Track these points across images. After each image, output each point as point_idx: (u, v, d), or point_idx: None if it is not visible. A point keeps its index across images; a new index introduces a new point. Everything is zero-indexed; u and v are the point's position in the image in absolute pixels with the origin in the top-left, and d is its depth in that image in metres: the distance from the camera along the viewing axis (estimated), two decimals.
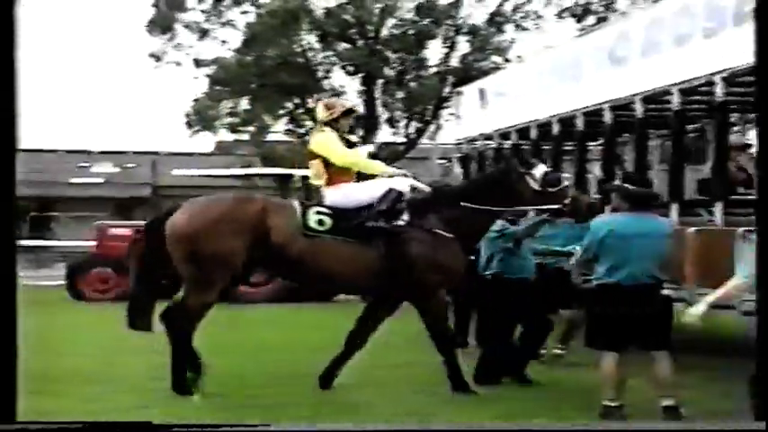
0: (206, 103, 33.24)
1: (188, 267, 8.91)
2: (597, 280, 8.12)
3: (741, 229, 9.02)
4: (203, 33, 33.17)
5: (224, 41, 33.32)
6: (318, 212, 9.10)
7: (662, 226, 8.36)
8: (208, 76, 33.07)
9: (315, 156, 9.47)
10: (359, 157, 9.51)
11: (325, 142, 9.41)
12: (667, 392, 8.00)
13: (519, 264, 9.93)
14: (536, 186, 9.29)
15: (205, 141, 36.86)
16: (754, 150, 13.24)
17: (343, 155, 9.31)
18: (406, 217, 9.23)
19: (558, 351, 11.19)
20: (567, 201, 9.31)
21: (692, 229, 10.18)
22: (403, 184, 9.43)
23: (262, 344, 12.52)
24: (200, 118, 33.06)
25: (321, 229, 9.02)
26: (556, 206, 9.29)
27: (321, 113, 9.70)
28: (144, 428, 4.67)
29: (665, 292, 8.36)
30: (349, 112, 9.73)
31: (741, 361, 10.78)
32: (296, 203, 9.29)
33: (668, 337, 8.14)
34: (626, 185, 8.39)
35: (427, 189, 9.67)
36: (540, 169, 9.37)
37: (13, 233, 4.17)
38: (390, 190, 9.26)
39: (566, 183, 9.63)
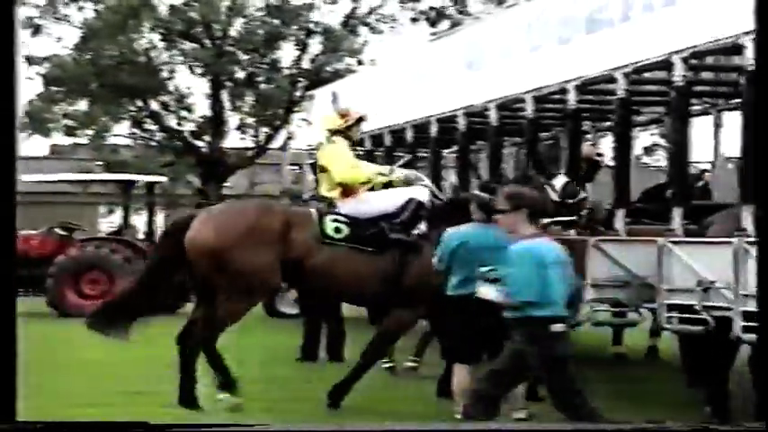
0: (39, 104, 32.51)
1: (220, 279, 8.91)
2: (451, 292, 8.30)
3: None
4: (36, 29, 32.46)
5: (59, 38, 32.67)
6: (335, 220, 9.06)
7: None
8: (41, 75, 32.36)
9: (325, 168, 9.42)
10: (362, 173, 9.41)
11: (333, 155, 9.34)
12: (519, 405, 8.26)
13: None
14: (556, 197, 9.36)
15: (39, 144, 36.03)
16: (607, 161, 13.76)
17: (343, 172, 9.20)
18: (423, 227, 9.27)
19: (411, 364, 11.39)
20: (584, 212, 9.50)
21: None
22: (422, 193, 9.46)
23: (91, 360, 12.31)
24: (33, 120, 32.31)
25: (338, 237, 8.99)
26: (573, 218, 9.45)
27: (333, 122, 9.65)
28: (144, 428, 4.59)
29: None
30: (361, 119, 9.68)
31: (599, 371, 11.29)
32: (313, 211, 9.22)
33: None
34: (482, 194, 8.63)
35: (442, 197, 9.76)
36: (560, 180, 9.53)
37: (12, 234, 4.20)
38: (410, 200, 9.29)
39: (583, 194, 9.83)
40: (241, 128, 33.80)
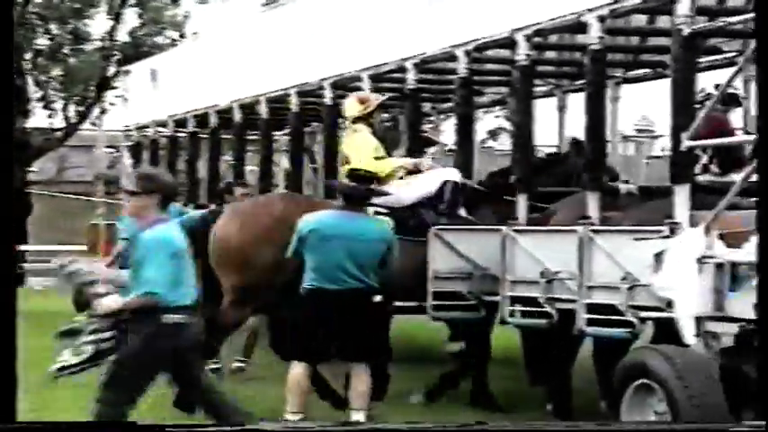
0: None
1: (233, 278, 9.09)
2: (305, 284, 8.29)
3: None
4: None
5: None
6: (376, 213, 8.95)
7: (376, 227, 8.51)
8: None
9: (348, 159, 9.30)
10: (387, 164, 9.29)
11: (356, 145, 9.23)
12: (360, 406, 8.33)
13: None
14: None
15: None
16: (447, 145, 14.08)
17: (366, 164, 8.93)
18: (463, 212, 9.42)
19: (239, 364, 11.47)
20: None
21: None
22: (453, 173, 9.56)
23: None
24: None
25: None
26: None
27: (354, 108, 9.51)
28: (144, 428, 4.97)
29: (378, 298, 8.49)
30: (382, 105, 9.59)
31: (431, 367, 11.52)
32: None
33: (372, 348, 8.43)
34: (344, 181, 8.70)
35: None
36: None
37: (12, 234, 4.44)
38: (446, 182, 9.36)
39: None
40: (48, 105, 33.11)
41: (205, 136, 15.81)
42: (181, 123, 16.36)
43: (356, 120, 9.55)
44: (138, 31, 32.23)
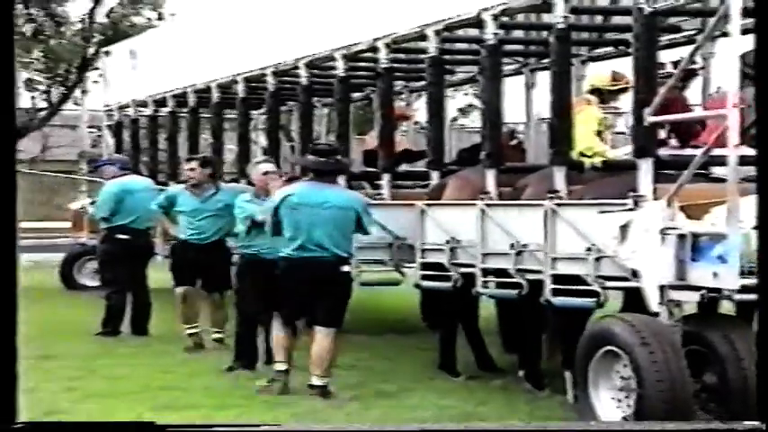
0: None
1: None
2: (283, 252, 8.63)
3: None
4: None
5: None
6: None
7: (346, 197, 8.86)
8: None
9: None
10: (596, 148, 8.69)
11: (580, 119, 8.59)
12: (320, 372, 8.56)
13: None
14: None
15: None
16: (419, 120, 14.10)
17: (580, 141, 8.48)
18: None
19: (217, 335, 11.46)
20: None
21: None
22: None
23: None
24: None
25: None
26: None
27: (601, 80, 9.32)
28: (145, 428, 4.70)
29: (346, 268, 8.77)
30: (627, 90, 8.88)
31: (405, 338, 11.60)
32: None
33: (339, 315, 8.68)
34: (309, 156, 8.94)
35: None
36: None
37: (13, 233, 4.40)
38: None
39: None
40: (30, 86, 32.89)
41: (184, 115, 15.79)
42: (160, 103, 16.34)
43: (595, 91, 9.32)
44: (116, 13, 32.04)
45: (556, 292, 7.87)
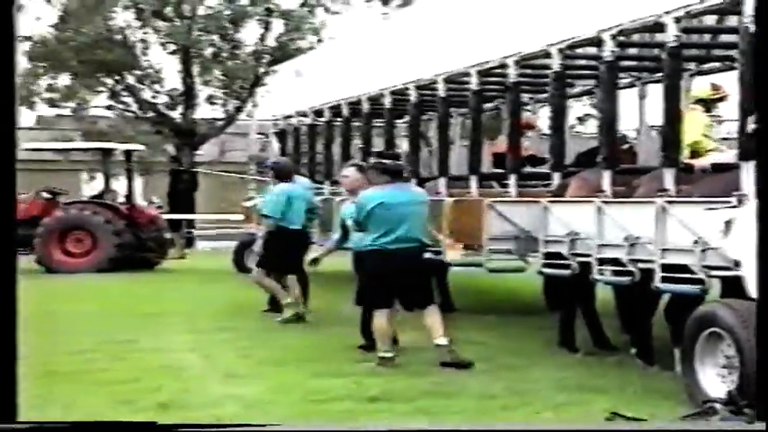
0: (24, 78, 32.05)
1: None
2: (370, 246, 8.55)
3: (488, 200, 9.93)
4: (18, 9, 31.99)
5: (38, 18, 32.16)
6: None
7: (420, 195, 8.92)
8: (25, 52, 31.89)
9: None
10: (705, 145, 8.70)
11: (689, 121, 8.56)
12: (438, 333, 8.48)
13: None
14: None
15: (25, 116, 35.60)
16: (544, 128, 13.88)
17: (690, 138, 8.46)
18: None
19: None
20: None
21: (451, 199, 10.77)
22: None
23: (81, 312, 12.27)
24: (18, 94, 31.89)
25: None
26: None
27: (704, 91, 9.34)
28: (145, 428, 4.54)
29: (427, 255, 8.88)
30: (725, 98, 9.13)
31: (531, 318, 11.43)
32: None
33: (431, 294, 8.74)
34: (382, 161, 8.91)
35: None
36: None
37: (13, 233, 3.94)
38: None
39: None
40: (211, 100, 33.54)
41: (339, 124, 15.88)
42: (319, 113, 16.46)
43: (699, 101, 9.21)
44: (284, 37, 32.44)
45: (665, 280, 7.67)
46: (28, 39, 31.66)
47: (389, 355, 8.47)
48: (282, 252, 11.67)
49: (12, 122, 3.83)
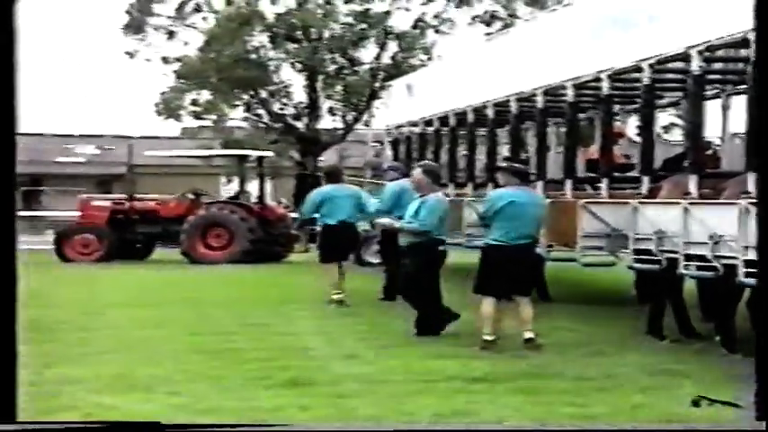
0: (172, 94, 32.84)
1: None
2: (493, 240, 8.46)
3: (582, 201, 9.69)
4: (170, 35, 32.78)
5: (187, 42, 32.93)
6: None
7: (539, 197, 9.11)
8: (174, 71, 32.68)
9: None
10: None
11: None
12: (527, 328, 8.37)
13: None
14: None
15: (173, 127, 36.39)
16: (633, 136, 13.55)
17: None
18: None
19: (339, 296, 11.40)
20: None
21: (548, 200, 10.58)
22: None
23: (221, 299, 12.43)
24: (168, 107, 32.68)
25: None
26: None
27: None
28: (148, 428, 4.23)
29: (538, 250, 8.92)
30: None
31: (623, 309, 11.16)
32: None
33: (532, 285, 8.81)
34: (515, 165, 8.96)
35: None
36: None
37: (13, 234, 3.47)
38: None
39: None
40: (332, 112, 33.85)
41: (445, 132, 15.77)
42: (428, 123, 16.38)
43: None
44: (398, 56, 32.51)
45: (748, 275, 7.37)
46: (177, 60, 32.46)
47: (491, 338, 8.37)
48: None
49: (12, 122, 3.47)
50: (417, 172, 9.50)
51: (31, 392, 6.32)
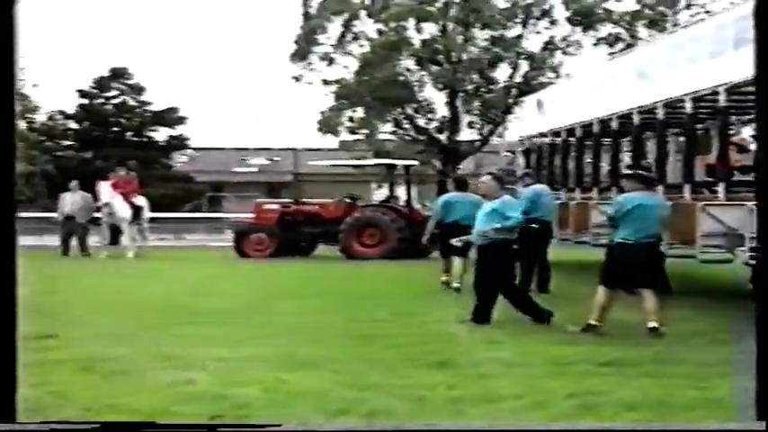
0: (331, 112, 33.53)
1: None
2: (621, 239, 8.30)
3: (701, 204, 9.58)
4: (330, 61, 33.47)
5: (345, 66, 33.56)
6: None
7: (663, 200, 8.95)
8: (333, 92, 33.36)
9: None
10: None
11: None
12: (651, 318, 8.13)
13: None
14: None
15: (332, 140, 37.16)
16: (749, 144, 12.99)
17: None
18: None
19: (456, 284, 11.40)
20: None
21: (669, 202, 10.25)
22: None
23: (373, 290, 12.52)
24: (327, 123, 33.38)
25: None
26: None
27: None
28: (146, 428, 3.84)
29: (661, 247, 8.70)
30: None
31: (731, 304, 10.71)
32: None
33: (656, 279, 8.52)
34: (641, 172, 8.88)
35: None
36: None
37: (13, 234, 3.07)
38: None
39: None
40: (470, 125, 33.81)
41: (573, 142, 15.52)
42: (556, 134, 16.16)
43: None
44: (529, 75, 32.18)
45: None
46: (336, 83, 33.14)
47: (595, 323, 8.26)
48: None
49: (12, 122, 3.09)
50: (488, 178, 9.25)
51: (219, 368, 6.63)
